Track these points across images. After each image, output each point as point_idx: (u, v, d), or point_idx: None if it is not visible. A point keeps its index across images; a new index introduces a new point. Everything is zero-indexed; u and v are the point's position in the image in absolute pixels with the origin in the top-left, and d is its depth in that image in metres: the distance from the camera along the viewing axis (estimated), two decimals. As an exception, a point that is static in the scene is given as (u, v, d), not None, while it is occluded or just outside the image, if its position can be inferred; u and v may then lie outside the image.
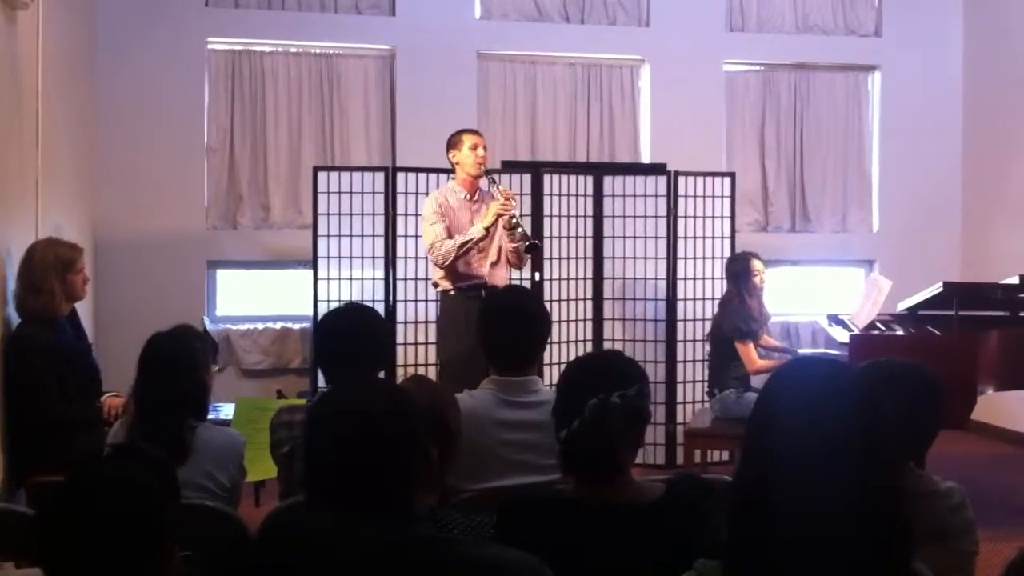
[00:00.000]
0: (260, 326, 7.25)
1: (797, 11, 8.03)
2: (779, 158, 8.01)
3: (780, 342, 6.56)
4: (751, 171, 7.93)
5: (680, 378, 6.51)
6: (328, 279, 6.25)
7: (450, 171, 5.51)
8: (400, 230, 6.18)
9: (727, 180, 6.68)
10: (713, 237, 6.58)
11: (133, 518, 1.78)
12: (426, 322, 6.11)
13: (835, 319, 6.09)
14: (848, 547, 1.50)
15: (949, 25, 8.14)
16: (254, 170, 7.32)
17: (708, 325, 6.03)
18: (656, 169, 6.75)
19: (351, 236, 6.25)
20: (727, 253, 6.46)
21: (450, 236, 5.18)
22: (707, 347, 6.01)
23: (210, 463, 3.01)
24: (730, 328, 5.60)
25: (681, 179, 6.56)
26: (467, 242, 5.15)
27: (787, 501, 1.52)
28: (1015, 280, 5.32)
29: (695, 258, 6.55)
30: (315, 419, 1.80)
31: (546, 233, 6.28)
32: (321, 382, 5.27)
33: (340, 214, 6.25)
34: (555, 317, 5.99)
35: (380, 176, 6.30)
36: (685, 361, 6.52)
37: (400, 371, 6.07)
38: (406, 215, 6.15)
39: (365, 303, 5.38)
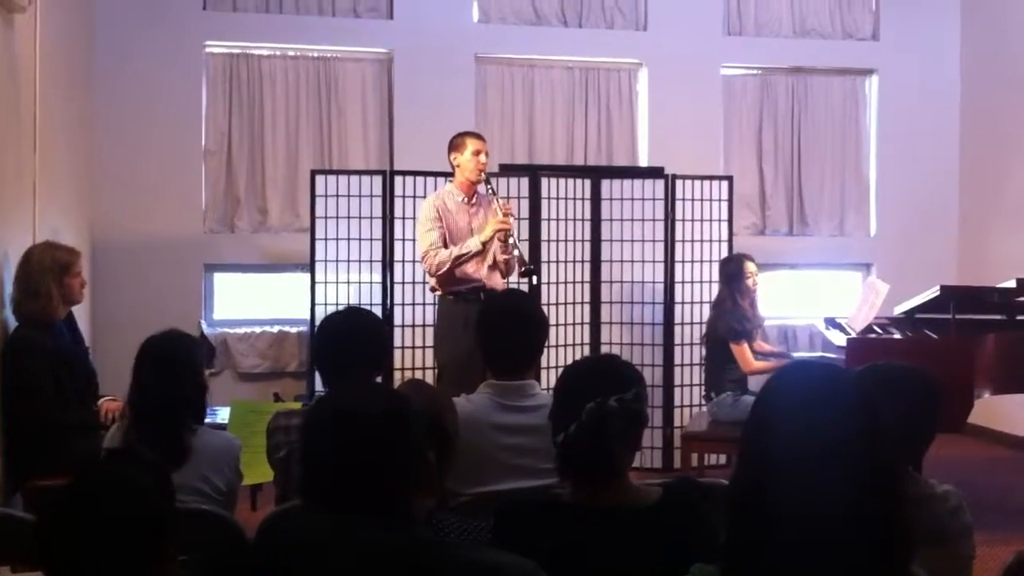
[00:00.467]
0: (257, 329, 7.24)
1: (795, 15, 8.04)
2: (776, 162, 8.02)
3: (774, 347, 6.57)
4: (749, 175, 7.93)
5: (677, 381, 6.51)
6: (325, 282, 6.24)
7: (448, 174, 5.51)
8: (398, 233, 6.18)
9: (725, 184, 6.69)
10: (711, 241, 6.58)
11: (133, 522, 1.78)
12: (423, 326, 6.11)
13: (832, 322, 6.10)
14: (846, 551, 1.50)
15: (946, 29, 8.15)
16: (252, 173, 7.32)
17: (705, 328, 6.03)
18: (654, 173, 6.75)
19: (349, 239, 6.25)
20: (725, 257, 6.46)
21: (445, 244, 5.16)
22: (704, 350, 6.02)
23: (206, 467, 3.01)
24: (724, 329, 5.60)
25: (679, 183, 6.56)
26: (462, 256, 5.13)
27: (785, 505, 1.52)
28: (1012, 284, 5.32)
29: (693, 261, 6.56)
30: (313, 423, 1.80)
31: (544, 236, 6.28)
32: (318, 385, 5.28)
33: (338, 217, 6.24)
34: (552, 320, 5.99)
35: (378, 179, 6.30)
36: (683, 364, 6.52)
37: (397, 375, 6.06)
38: (404, 218, 6.14)
39: (363, 307, 5.40)
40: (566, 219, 6.41)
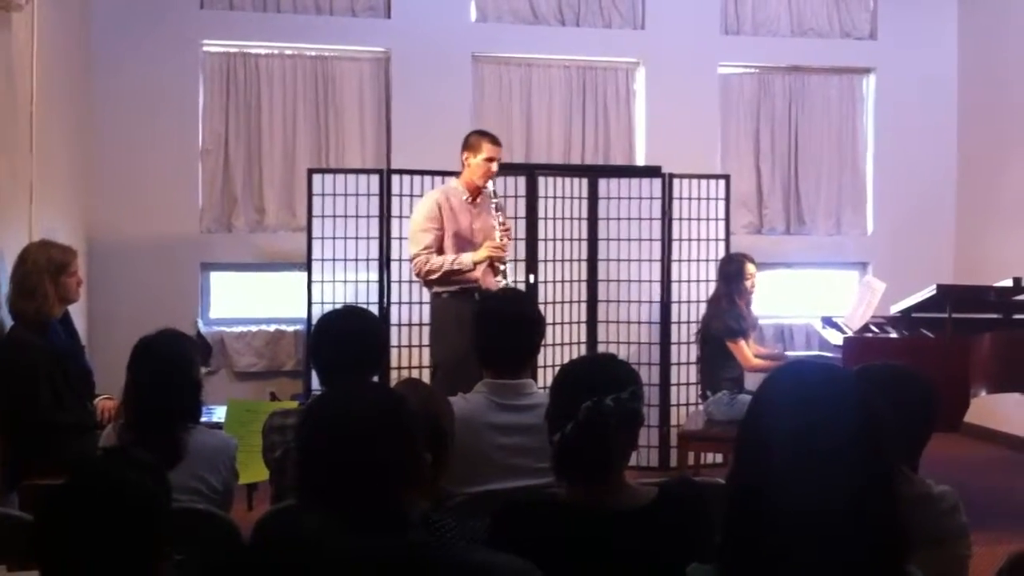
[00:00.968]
0: (254, 328, 7.23)
1: (792, 14, 8.03)
2: (774, 161, 8.01)
3: (770, 349, 6.56)
4: (746, 174, 7.93)
5: (674, 380, 6.52)
6: (322, 281, 6.24)
7: (444, 174, 5.50)
8: (395, 232, 6.18)
9: (722, 183, 6.69)
10: (708, 240, 6.58)
11: (129, 521, 1.78)
12: (420, 325, 6.10)
13: (829, 321, 6.10)
14: (843, 551, 1.50)
15: (944, 28, 8.15)
16: (248, 172, 7.31)
17: (700, 327, 6.03)
18: (651, 172, 6.76)
19: (346, 238, 6.25)
20: (721, 256, 6.45)
21: (440, 248, 5.14)
22: (700, 349, 6.02)
23: (202, 466, 3.01)
24: (720, 328, 5.61)
25: (676, 181, 6.56)
26: (454, 271, 5.12)
27: (781, 505, 1.52)
28: (1008, 283, 5.33)
29: (690, 260, 6.56)
30: (309, 422, 1.80)
31: (541, 235, 6.29)
32: (315, 385, 5.27)
33: (335, 216, 6.24)
34: (549, 319, 5.99)
35: (375, 178, 6.30)
36: (679, 363, 6.52)
37: (394, 374, 6.06)
38: (401, 217, 6.14)
39: (362, 306, 5.39)
40: (563, 218, 6.41)
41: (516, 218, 6.18)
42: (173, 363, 3.07)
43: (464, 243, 5.21)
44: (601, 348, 6.38)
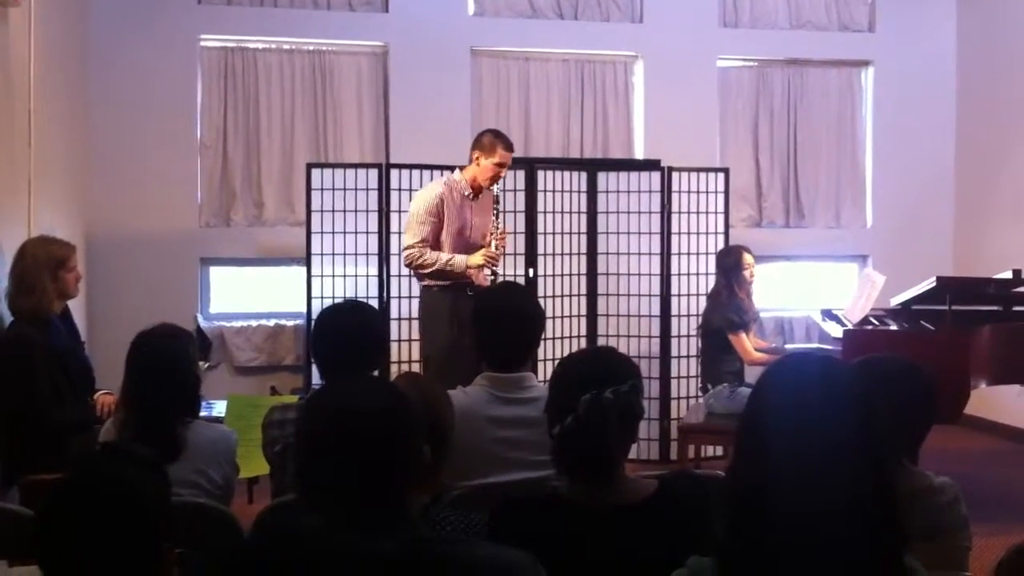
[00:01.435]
0: (254, 323, 7.23)
1: (790, 7, 8.02)
2: (773, 154, 8.01)
3: (769, 343, 6.56)
4: (745, 167, 7.93)
5: (674, 373, 6.51)
6: (322, 276, 6.24)
7: (443, 168, 5.50)
8: (394, 227, 6.18)
9: (721, 176, 6.68)
10: (707, 233, 6.58)
11: (129, 516, 1.78)
12: (420, 319, 6.09)
13: (829, 314, 6.10)
14: (842, 543, 1.50)
15: (943, 20, 8.14)
16: (247, 167, 7.31)
17: (701, 320, 6.03)
18: (650, 165, 6.75)
19: (344, 233, 6.25)
20: (720, 249, 6.46)
21: (436, 241, 5.14)
22: (700, 342, 6.03)
23: (202, 460, 3.01)
24: (721, 321, 5.62)
25: (675, 175, 6.56)
26: (446, 271, 5.14)
27: (781, 498, 1.52)
28: (1008, 275, 5.33)
29: (689, 254, 6.55)
30: (308, 417, 1.79)
31: (540, 229, 6.28)
32: (315, 379, 5.28)
33: (334, 211, 6.24)
34: (549, 313, 5.99)
35: (373, 173, 6.30)
36: (679, 357, 6.52)
37: (394, 367, 6.06)
38: (400, 211, 6.14)
39: (363, 301, 5.39)
40: (562, 212, 6.41)
41: (515, 212, 6.18)
42: (171, 358, 3.07)
43: (461, 238, 5.21)
44: (601, 342, 6.38)
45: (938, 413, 2.65)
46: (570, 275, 6.44)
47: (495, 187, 5.26)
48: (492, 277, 5.22)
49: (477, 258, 5.15)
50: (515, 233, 6.09)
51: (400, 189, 6.18)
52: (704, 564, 1.64)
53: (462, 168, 5.34)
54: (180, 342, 3.16)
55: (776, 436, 1.55)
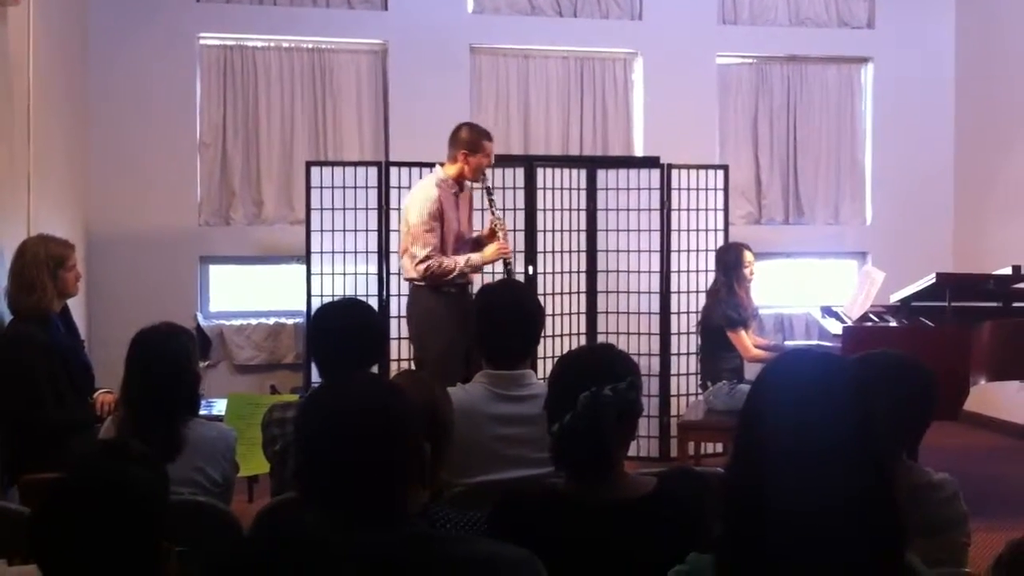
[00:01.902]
0: (253, 322, 7.23)
1: (790, 3, 8.02)
2: (772, 151, 8.01)
3: (768, 340, 6.56)
4: (744, 164, 7.93)
5: (674, 370, 6.51)
6: (321, 274, 6.24)
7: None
8: (393, 224, 6.17)
9: (720, 173, 6.68)
10: (706, 230, 6.57)
11: (128, 515, 1.78)
12: (415, 322, 6.08)
13: (828, 311, 6.11)
14: (841, 539, 1.50)
15: (942, 16, 8.14)
16: (246, 165, 7.31)
17: (700, 317, 6.03)
18: (649, 162, 6.75)
19: (344, 231, 6.24)
20: (720, 246, 6.46)
21: (441, 244, 5.14)
22: (699, 339, 6.03)
23: (201, 458, 3.01)
24: (720, 317, 5.62)
25: (674, 172, 6.56)
26: (465, 271, 5.15)
27: (780, 495, 1.52)
28: (1008, 271, 5.33)
29: (688, 251, 6.55)
30: (307, 415, 1.79)
31: (539, 227, 6.28)
32: (315, 377, 5.27)
33: (333, 209, 6.24)
34: (548, 311, 5.99)
35: (373, 171, 6.30)
36: (679, 354, 6.52)
37: (394, 365, 6.06)
38: (399, 209, 6.12)
39: (360, 298, 5.38)
40: (562, 209, 6.41)
41: (515, 209, 6.18)
42: (171, 356, 3.07)
43: (457, 235, 5.21)
44: (601, 339, 6.37)
45: (937, 409, 2.65)
46: (570, 272, 6.44)
47: (488, 180, 5.30)
48: (511, 265, 5.27)
49: (491, 252, 5.18)
50: (515, 230, 6.08)
51: (400, 187, 6.18)
52: (703, 561, 1.64)
53: (442, 164, 5.30)
54: (180, 340, 3.16)
55: (775, 432, 1.55)
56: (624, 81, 7.82)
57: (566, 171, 6.47)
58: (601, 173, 6.56)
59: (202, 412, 3.32)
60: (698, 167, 6.67)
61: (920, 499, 2.41)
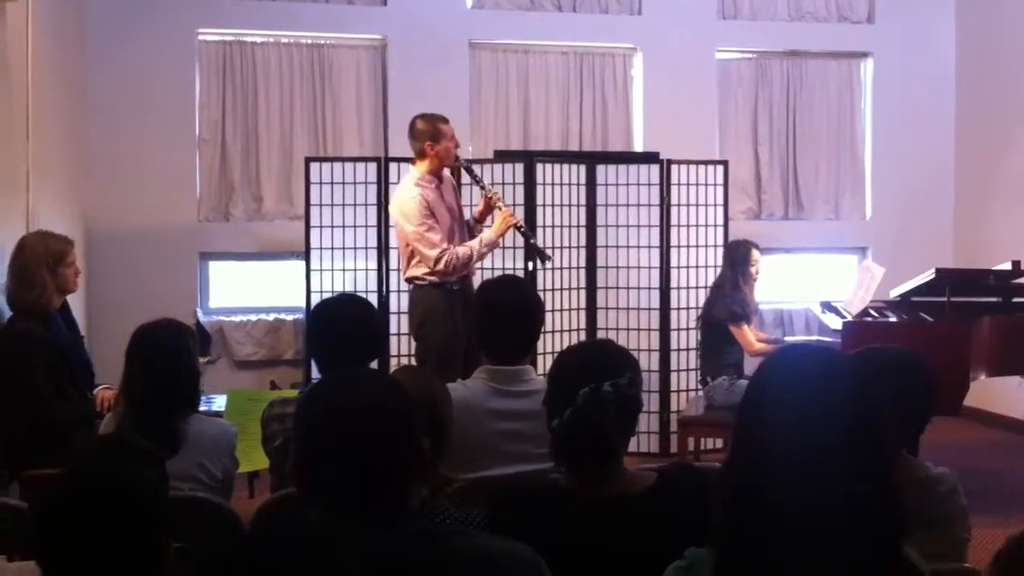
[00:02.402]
0: (253, 317, 7.23)
1: (789, -1, 8.02)
2: (772, 146, 8.00)
3: (768, 335, 6.56)
4: (744, 159, 7.92)
5: (674, 366, 6.51)
6: (321, 270, 6.24)
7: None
8: (393, 220, 6.16)
9: (720, 168, 6.68)
10: (706, 225, 6.57)
11: (127, 511, 1.78)
12: (416, 318, 6.08)
13: (828, 306, 6.11)
14: (841, 534, 1.50)
15: (942, 11, 8.13)
16: (246, 161, 7.30)
17: (702, 311, 6.03)
18: (649, 158, 6.74)
19: (344, 227, 6.24)
20: (720, 241, 6.46)
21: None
22: (700, 335, 6.02)
23: (201, 454, 3.01)
24: (723, 312, 5.61)
25: (674, 167, 6.55)
26: (483, 254, 5.11)
27: (780, 489, 1.52)
28: (1007, 266, 5.33)
29: (688, 246, 6.55)
30: (306, 411, 1.79)
31: (539, 222, 6.27)
32: (315, 373, 5.27)
33: (332, 205, 6.24)
34: (548, 306, 5.99)
35: (372, 166, 6.30)
36: (679, 349, 6.52)
37: (393, 361, 6.06)
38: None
39: (359, 293, 5.38)
40: (562, 205, 6.40)
41: (514, 205, 6.16)
42: (170, 352, 3.07)
43: (450, 227, 5.14)
44: (601, 334, 6.37)
45: (938, 404, 2.65)
46: (569, 268, 6.44)
47: (461, 160, 5.27)
48: (523, 228, 5.23)
49: (499, 225, 5.12)
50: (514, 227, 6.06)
51: (399, 183, 6.16)
52: (702, 556, 1.64)
53: (413, 162, 5.21)
54: (180, 337, 3.16)
55: (774, 427, 1.55)
56: (624, 76, 7.81)
57: (566, 167, 6.46)
58: (601, 169, 6.55)
59: (202, 408, 3.32)
60: (698, 162, 6.66)
61: (920, 494, 2.42)
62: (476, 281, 5.09)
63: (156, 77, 7.04)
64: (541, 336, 3.61)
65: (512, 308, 3.11)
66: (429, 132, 5.11)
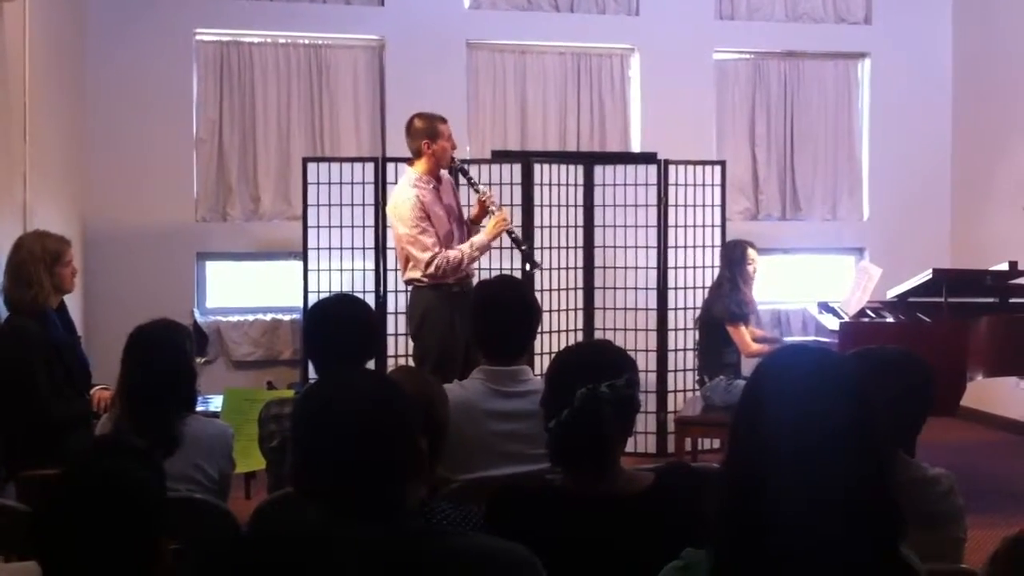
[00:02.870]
0: (250, 318, 7.23)
1: (787, -1, 8.03)
2: (769, 146, 8.01)
3: (767, 333, 6.56)
4: (741, 159, 7.93)
5: (671, 366, 6.52)
6: (318, 270, 6.24)
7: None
8: (390, 220, 6.16)
9: (717, 168, 6.68)
10: (704, 226, 6.58)
11: (125, 509, 1.78)
12: (414, 320, 6.07)
13: (825, 307, 6.11)
14: (837, 534, 1.50)
15: (939, 12, 8.13)
16: (243, 161, 7.30)
17: (700, 311, 6.03)
18: (647, 158, 6.75)
19: (341, 227, 6.24)
20: (718, 241, 6.46)
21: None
22: (697, 335, 6.02)
23: (198, 455, 3.01)
24: (722, 311, 5.61)
25: (672, 168, 6.56)
26: (475, 257, 5.07)
27: (776, 489, 1.52)
28: (1004, 267, 5.33)
29: (686, 247, 6.55)
30: (303, 411, 1.79)
31: (537, 223, 6.27)
32: (312, 373, 5.27)
33: (330, 205, 6.24)
34: (546, 307, 5.98)
35: (370, 167, 6.30)
36: (676, 350, 6.52)
37: (391, 361, 6.06)
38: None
39: (356, 294, 5.38)
40: (559, 205, 6.40)
41: (512, 206, 6.17)
42: (167, 352, 3.07)
43: (446, 230, 5.11)
44: (598, 335, 6.38)
45: (934, 405, 2.66)
46: (567, 269, 6.44)
47: (456, 161, 5.23)
48: (515, 234, 5.18)
49: (492, 228, 5.08)
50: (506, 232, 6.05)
51: (397, 183, 6.16)
52: (699, 556, 1.64)
53: (410, 162, 5.18)
54: (176, 337, 3.16)
55: (771, 427, 1.55)
56: (621, 77, 7.82)
57: (563, 167, 6.46)
58: (598, 169, 6.55)
59: (199, 408, 3.32)
60: (695, 163, 6.67)
61: (917, 494, 2.42)
62: (476, 282, 5.08)
63: (153, 77, 7.04)
64: (538, 336, 3.61)
65: (509, 308, 3.12)
66: (426, 131, 5.09)
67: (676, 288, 6.54)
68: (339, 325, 3.09)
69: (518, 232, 5.23)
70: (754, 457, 1.56)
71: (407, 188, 5.06)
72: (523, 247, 5.19)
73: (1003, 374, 5.73)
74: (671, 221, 6.54)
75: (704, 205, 6.59)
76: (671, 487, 2.18)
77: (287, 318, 7.20)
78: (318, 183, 6.25)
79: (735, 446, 1.62)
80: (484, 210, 5.16)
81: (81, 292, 6.12)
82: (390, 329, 6.12)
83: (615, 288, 6.53)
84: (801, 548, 1.50)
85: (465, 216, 5.32)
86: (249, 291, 7.40)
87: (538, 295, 5.18)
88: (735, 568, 1.56)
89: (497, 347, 3.09)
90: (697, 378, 6.12)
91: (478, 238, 5.10)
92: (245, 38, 7.28)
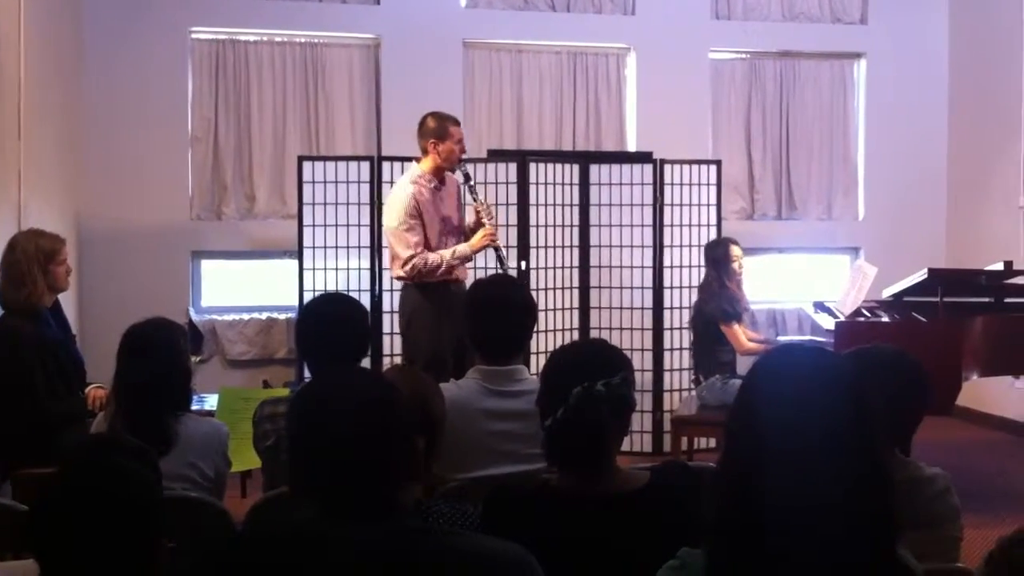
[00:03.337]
0: (246, 316, 7.22)
1: (783, -1, 8.03)
2: (765, 146, 8.01)
3: (760, 334, 6.57)
4: (737, 159, 7.93)
5: (667, 366, 6.52)
6: (314, 269, 6.23)
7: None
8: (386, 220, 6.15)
9: (713, 168, 6.69)
10: (699, 225, 6.58)
11: (121, 508, 1.77)
12: (406, 319, 6.07)
13: (821, 306, 6.11)
14: (833, 535, 1.50)
15: (935, 12, 8.14)
16: (239, 160, 7.29)
17: (692, 312, 6.03)
18: (642, 157, 6.75)
19: (336, 226, 6.23)
20: (712, 241, 6.47)
21: (427, 244, 5.01)
22: (692, 334, 6.03)
23: (193, 453, 3.00)
24: (713, 311, 5.62)
25: (667, 167, 6.56)
26: (454, 265, 5.03)
27: (772, 489, 1.51)
28: (999, 266, 5.34)
29: (681, 246, 6.56)
30: (298, 410, 1.79)
31: (532, 222, 6.27)
32: (307, 372, 5.26)
33: (325, 204, 6.23)
34: (541, 306, 5.99)
35: (365, 165, 6.29)
36: (672, 349, 6.53)
37: (387, 360, 6.06)
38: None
39: (351, 293, 5.37)
40: (555, 204, 6.40)
41: (507, 205, 6.17)
42: (162, 351, 3.06)
43: (443, 231, 5.12)
44: (593, 334, 6.38)
45: (930, 404, 2.66)
46: (562, 268, 6.44)
47: (469, 173, 5.21)
48: (500, 252, 5.13)
49: (478, 240, 5.07)
50: (507, 226, 6.07)
51: (392, 182, 6.14)
52: (695, 555, 1.64)
53: (417, 160, 5.19)
54: (172, 335, 3.15)
55: (767, 427, 1.55)
56: (617, 76, 7.82)
57: (559, 166, 6.46)
58: (594, 168, 6.56)
59: (194, 407, 3.31)
60: (691, 162, 6.68)
61: (912, 493, 2.42)
62: (469, 282, 5.08)
63: (149, 75, 7.03)
64: (534, 335, 3.61)
65: (505, 307, 3.11)
66: (436, 131, 5.10)
67: (671, 287, 6.54)
68: (328, 324, 3.08)
69: (504, 252, 5.18)
70: (750, 456, 1.56)
71: (406, 184, 5.08)
72: (505, 267, 5.12)
73: (998, 373, 5.74)
74: (667, 220, 6.54)
75: (700, 204, 6.59)
76: (667, 486, 2.18)
77: (282, 317, 7.19)
78: (313, 182, 6.24)
79: (731, 445, 1.62)
80: (480, 222, 5.16)
81: (76, 291, 6.11)
82: (385, 328, 6.11)
83: (611, 287, 6.53)
84: (797, 548, 1.50)
85: (467, 221, 5.31)
86: (244, 290, 7.40)
87: (534, 294, 5.18)
88: (731, 568, 1.56)
89: (493, 347, 3.09)
90: (693, 377, 6.12)
91: (461, 247, 5.09)
92: (241, 36, 7.27)
